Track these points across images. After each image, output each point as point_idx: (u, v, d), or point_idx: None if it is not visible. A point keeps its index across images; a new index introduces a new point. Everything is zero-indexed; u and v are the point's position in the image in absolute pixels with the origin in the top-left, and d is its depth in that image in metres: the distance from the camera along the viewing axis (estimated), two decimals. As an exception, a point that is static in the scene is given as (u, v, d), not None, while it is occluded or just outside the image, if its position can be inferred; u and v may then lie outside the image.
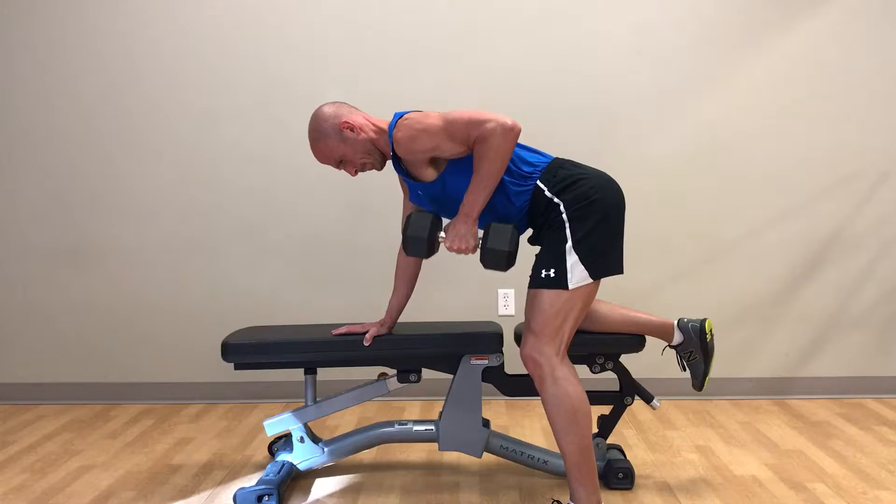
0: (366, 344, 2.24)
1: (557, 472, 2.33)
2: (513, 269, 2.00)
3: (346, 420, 3.03)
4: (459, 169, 1.99)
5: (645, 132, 3.22)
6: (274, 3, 3.21)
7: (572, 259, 1.93)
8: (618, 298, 2.46)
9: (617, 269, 2.02)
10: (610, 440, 2.55)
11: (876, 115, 3.18)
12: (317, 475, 2.44)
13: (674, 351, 2.33)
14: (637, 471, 2.39)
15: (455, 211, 2.06)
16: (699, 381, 2.31)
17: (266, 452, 2.65)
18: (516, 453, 2.33)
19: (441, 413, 2.31)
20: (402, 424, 2.36)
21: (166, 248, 3.31)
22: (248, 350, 2.29)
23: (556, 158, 2.08)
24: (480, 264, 2.00)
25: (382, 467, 2.52)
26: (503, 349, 2.30)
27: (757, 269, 3.24)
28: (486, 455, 2.34)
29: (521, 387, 2.31)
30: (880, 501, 2.18)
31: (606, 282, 2.00)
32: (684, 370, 2.34)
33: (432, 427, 2.33)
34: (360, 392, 2.38)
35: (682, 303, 3.16)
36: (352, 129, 2.02)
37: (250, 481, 2.38)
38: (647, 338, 2.30)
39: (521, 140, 2.14)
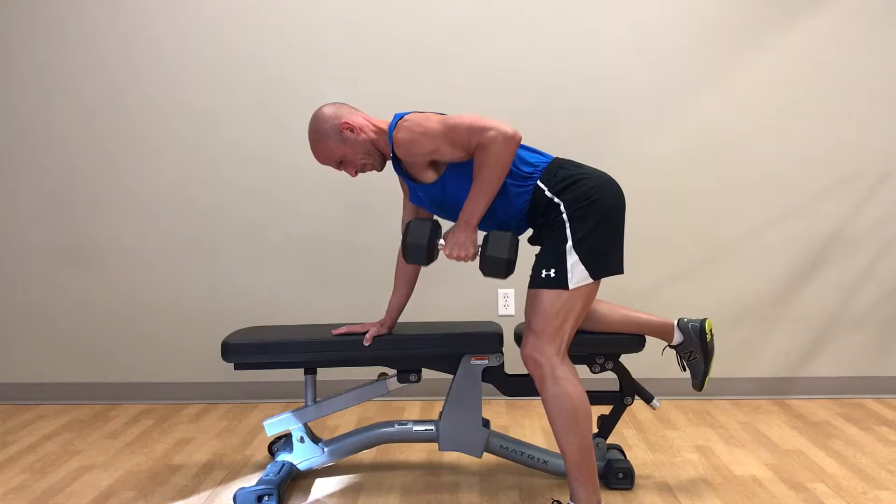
0: (366, 344, 2.24)
1: (557, 472, 2.33)
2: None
3: (346, 420, 3.03)
4: (459, 172, 1.99)
5: (645, 132, 3.22)
6: (274, 3, 3.21)
7: (573, 259, 1.93)
8: (618, 298, 2.46)
9: (617, 269, 2.02)
10: (610, 440, 2.55)
11: (876, 115, 3.18)
12: (317, 475, 2.44)
13: (674, 351, 2.33)
14: (637, 471, 2.39)
15: (455, 213, 2.06)
16: (699, 381, 2.31)
17: (266, 452, 2.65)
18: (516, 453, 2.33)
19: (441, 413, 2.31)
20: (402, 424, 2.36)
21: (166, 248, 3.31)
22: (248, 350, 2.29)
23: (557, 158, 2.08)
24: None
25: (382, 467, 2.52)
26: (503, 349, 2.30)
27: (757, 269, 3.24)
28: (486, 455, 2.34)
29: (521, 387, 2.31)
30: (880, 501, 2.18)
31: (606, 282, 2.00)
32: (684, 370, 2.34)
33: (432, 427, 2.33)
34: (360, 392, 2.38)
35: (682, 303, 3.16)
36: (352, 130, 2.02)
37: (250, 481, 2.38)
38: (647, 338, 2.30)
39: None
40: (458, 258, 1.96)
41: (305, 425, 2.35)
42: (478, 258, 1.97)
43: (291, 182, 3.26)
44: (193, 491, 2.34)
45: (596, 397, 2.20)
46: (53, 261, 3.33)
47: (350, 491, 2.31)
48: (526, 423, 2.96)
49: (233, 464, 2.57)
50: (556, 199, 1.97)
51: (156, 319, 3.33)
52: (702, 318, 2.30)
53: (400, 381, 2.35)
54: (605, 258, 1.98)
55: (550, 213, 1.98)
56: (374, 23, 3.20)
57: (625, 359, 2.30)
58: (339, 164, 2.07)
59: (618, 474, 2.28)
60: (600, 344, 2.26)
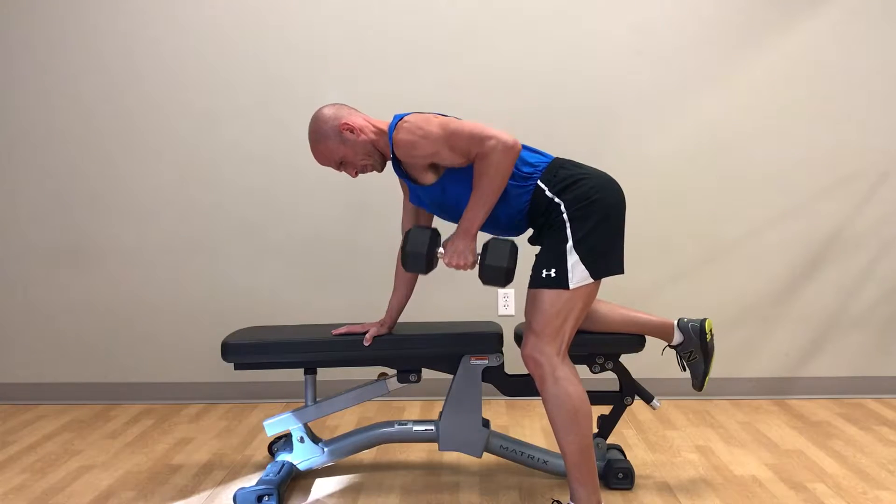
0: (366, 344, 2.24)
1: (557, 472, 2.33)
2: (513, 269, 2.00)
3: (346, 420, 3.03)
4: (459, 175, 1.99)
5: (645, 132, 3.22)
6: (274, 3, 3.21)
7: (573, 259, 1.93)
8: (618, 298, 2.46)
9: (617, 269, 2.02)
10: (610, 440, 2.55)
11: (876, 115, 3.18)
12: (317, 475, 2.44)
13: (674, 351, 2.33)
14: (637, 471, 2.39)
15: (455, 214, 2.06)
16: (699, 381, 2.31)
17: (266, 452, 2.65)
18: (516, 453, 2.33)
19: (441, 413, 2.31)
20: (402, 424, 2.36)
21: (166, 248, 3.31)
22: (248, 350, 2.29)
23: (557, 158, 2.08)
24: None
25: (382, 467, 2.52)
26: (503, 349, 2.30)
27: (757, 269, 3.24)
28: (486, 455, 2.35)
29: (521, 387, 2.31)
30: (880, 501, 2.18)
31: (606, 282, 2.00)
32: (684, 370, 2.34)
33: (432, 427, 2.33)
34: (360, 392, 2.38)
35: (682, 303, 3.16)
36: (352, 131, 2.02)
37: (250, 481, 2.38)
38: (647, 338, 2.30)
39: (520, 139, 2.14)
40: (458, 267, 1.96)
41: (305, 425, 2.35)
42: (477, 266, 1.98)
43: (291, 182, 3.26)
44: (193, 491, 2.34)
45: (596, 397, 2.20)
46: (53, 261, 3.33)
47: (350, 491, 2.31)
48: (526, 423, 2.96)
49: (233, 464, 2.57)
50: (556, 199, 1.97)
51: (156, 319, 3.33)
52: (702, 318, 2.30)
53: (400, 381, 2.35)
54: (606, 258, 1.98)
55: (551, 212, 1.98)
56: (374, 23, 3.20)
57: (625, 359, 2.30)
58: (340, 165, 2.07)
59: (618, 474, 2.28)
60: (600, 344, 2.26)
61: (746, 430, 2.83)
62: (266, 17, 3.21)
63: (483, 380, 2.29)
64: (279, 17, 3.21)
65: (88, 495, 2.31)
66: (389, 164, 2.10)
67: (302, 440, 2.34)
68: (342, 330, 2.30)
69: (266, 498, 2.15)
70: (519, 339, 2.23)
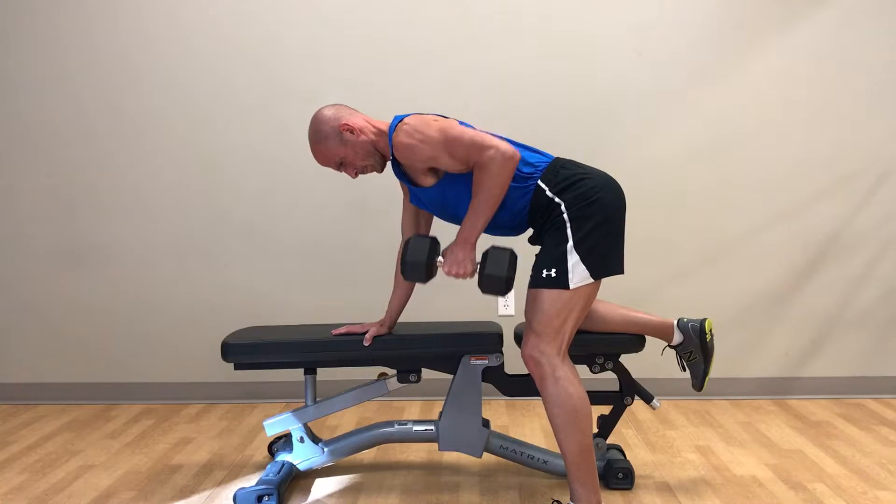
0: (366, 344, 2.24)
1: (557, 472, 2.33)
2: (513, 268, 2.00)
3: (346, 420, 3.03)
4: (458, 178, 1.99)
5: (645, 132, 3.22)
6: (274, 3, 3.21)
7: (573, 259, 1.93)
8: (618, 298, 2.46)
9: (618, 269, 2.02)
10: (610, 440, 2.55)
11: (876, 115, 3.17)
12: (317, 475, 2.44)
13: (674, 351, 2.33)
14: (637, 471, 2.39)
15: (455, 215, 2.06)
16: (699, 381, 2.31)
17: (266, 452, 2.65)
18: (516, 453, 2.33)
19: (441, 413, 2.31)
20: (402, 424, 2.36)
21: (166, 248, 3.31)
22: (248, 350, 2.29)
23: (558, 158, 2.08)
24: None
25: (382, 467, 2.52)
26: (503, 349, 2.29)
27: (757, 269, 3.24)
28: (486, 455, 2.35)
29: (521, 387, 2.31)
30: (880, 501, 2.18)
31: (606, 282, 2.00)
32: (684, 370, 2.34)
33: (432, 427, 2.33)
34: (359, 392, 2.38)
35: (682, 303, 3.16)
36: (352, 132, 2.02)
37: (250, 481, 2.38)
38: (647, 338, 2.30)
39: (520, 140, 2.15)
40: (457, 275, 1.96)
41: (305, 425, 2.35)
42: (476, 275, 1.97)
43: (292, 182, 3.26)
44: (193, 491, 2.34)
45: (596, 397, 2.20)
46: (53, 261, 3.33)
47: (350, 491, 2.31)
48: (526, 423, 2.96)
49: (233, 464, 2.57)
50: (556, 199, 1.97)
51: (156, 319, 3.33)
52: (702, 318, 2.30)
53: (400, 381, 2.35)
54: (606, 258, 1.98)
55: (551, 212, 1.98)
56: (375, 23, 3.20)
57: (625, 359, 2.30)
58: (340, 166, 2.07)
59: (618, 474, 2.28)
60: (600, 344, 2.26)
61: (746, 430, 2.83)
62: (266, 17, 3.21)
63: (483, 380, 2.29)
64: (279, 17, 3.21)
65: (88, 495, 2.31)
66: (389, 164, 2.10)
67: (302, 440, 2.34)
68: (342, 330, 2.30)
69: (266, 498, 2.15)
70: (519, 339, 2.23)
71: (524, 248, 2.11)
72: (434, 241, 1.99)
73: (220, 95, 3.25)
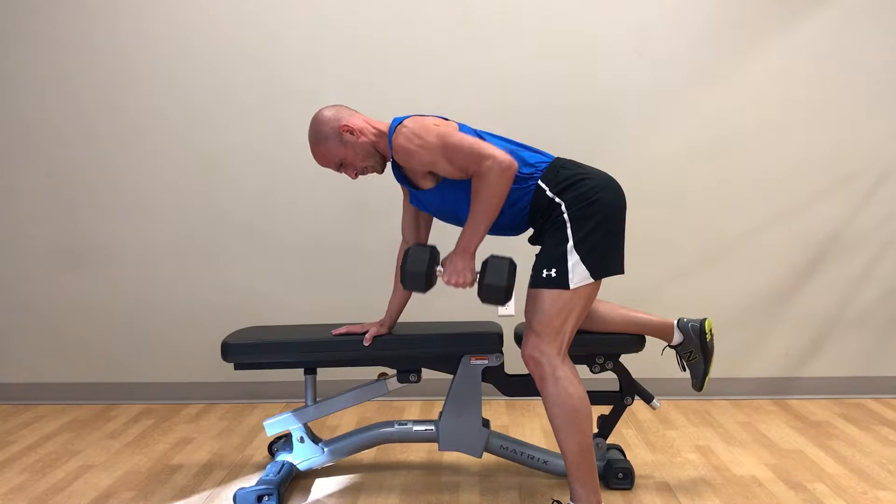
0: (366, 344, 2.24)
1: (557, 472, 2.33)
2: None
3: (346, 420, 3.03)
4: (457, 181, 1.99)
5: (645, 132, 3.22)
6: (274, 3, 3.21)
7: (573, 259, 1.93)
8: (618, 298, 2.46)
9: (618, 269, 2.02)
10: (610, 440, 2.55)
11: (876, 115, 3.17)
12: (317, 475, 2.44)
13: (674, 351, 2.33)
14: (637, 471, 2.39)
15: (454, 218, 2.07)
16: (699, 381, 2.31)
17: (266, 452, 2.65)
18: (516, 453, 2.33)
19: (441, 413, 2.31)
20: (402, 424, 2.36)
21: (166, 248, 3.31)
22: (248, 350, 2.29)
23: (558, 158, 2.08)
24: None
25: (382, 467, 2.52)
26: (503, 349, 2.29)
27: (757, 269, 3.24)
28: (486, 455, 2.35)
29: (521, 387, 2.31)
30: (880, 501, 2.18)
31: (607, 282, 2.00)
32: (684, 370, 2.34)
33: (432, 427, 2.33)
34: (360, 392, 2.38)
35: (682, 303, 3.15)
36: (352, 133, 2.02)
37: (250, 481, 2.38)
38: (647, 338, 2.30)
39: (520, 139, 2.15)
40: (457, 285, 1.96)
41: (305, 425, 2.35)
42: (476, 284, 1.97)
43: (292, 182, 3.26)
44: (193, 491, 2.34)
45: (596, 397, 2.20)
46: (53, 261, 3.33)
47: (350, 491, 2.31)
48: (526, 423, 2.96)
49: (233, 464, 2.57)
50: (557, 199, 1.97)
51: (156, 319, 3.33)
52: (702, 318, 2.30)
53: (400, 381, 2.35)
54: (606, 258, 1.98)
55: (551, 212, 1.98)
56: (375, 23, 3.19)
57: (625, 359, 2.30)
58: (339, 167, 2.07)
59: (618, 474, 2.28)
60: (600, 344, 2.26)
61: (746, 430, 2.83)
62: (266, 17, 3.21)
63: (483, 380, 2.30)
64: (279, 17, 3.21)
65: (88, 495, 2.31)
66: (389, 164, 2.10)
67: (302, 440, 2.34)
68: (342, 330, 2.30)
69: (266, 498, 2.15)
70: (519, 339, 2.23)
71: (524, 248, 2.11)
72: (434, 251, 1.98)
73: (220, 95, 3.25)
